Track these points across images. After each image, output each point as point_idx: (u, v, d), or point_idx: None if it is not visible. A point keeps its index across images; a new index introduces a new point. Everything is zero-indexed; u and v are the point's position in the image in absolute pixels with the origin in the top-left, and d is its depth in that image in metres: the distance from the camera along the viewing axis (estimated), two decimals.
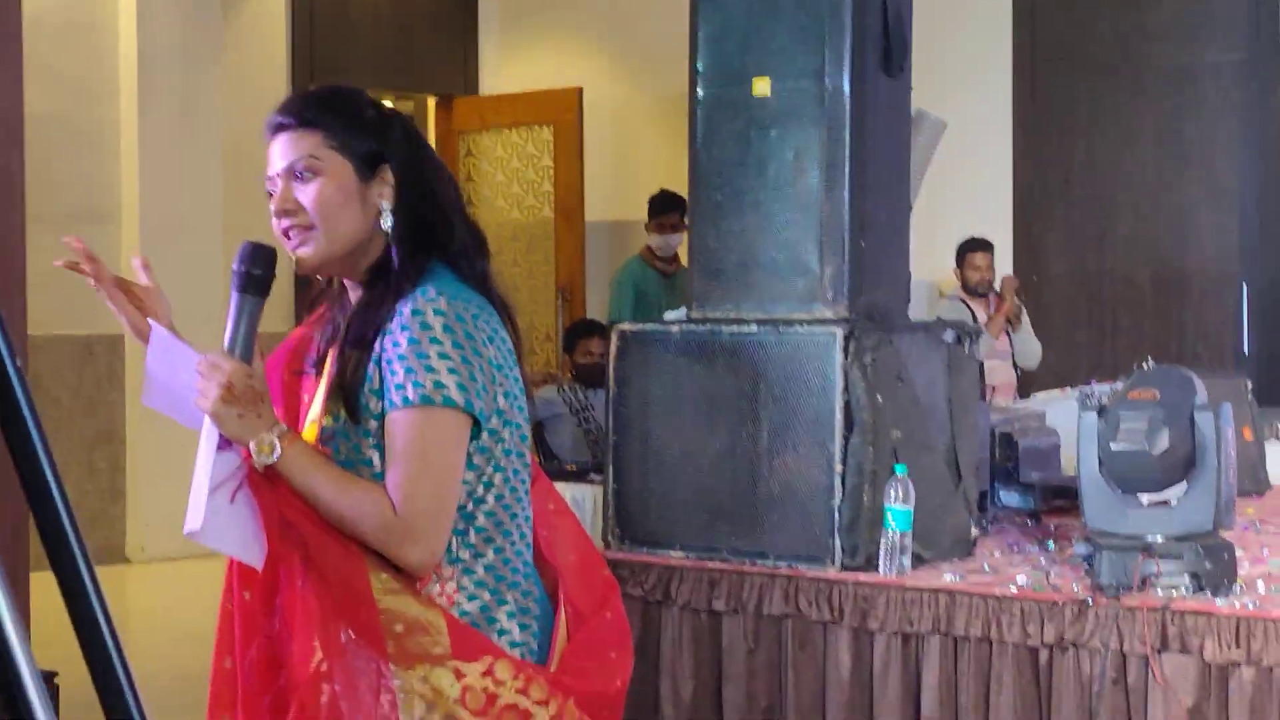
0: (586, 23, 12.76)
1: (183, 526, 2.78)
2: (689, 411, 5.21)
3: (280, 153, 3.04)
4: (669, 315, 5.69)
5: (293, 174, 3.02)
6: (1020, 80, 11.26)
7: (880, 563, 4.88)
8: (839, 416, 4.92)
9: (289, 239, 3.03)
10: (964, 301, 10.24)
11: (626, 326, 5.40)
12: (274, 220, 3.05)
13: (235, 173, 11.30)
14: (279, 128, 3.05)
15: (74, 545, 1.32)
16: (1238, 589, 4.54)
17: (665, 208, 10.09)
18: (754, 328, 5.12)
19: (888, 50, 5.31)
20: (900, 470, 4.86)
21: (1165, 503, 4.61)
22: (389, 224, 3.02)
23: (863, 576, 4.87)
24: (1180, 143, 10.89)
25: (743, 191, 5.28)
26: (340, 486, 2.85)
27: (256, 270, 2.95)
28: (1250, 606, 4.36)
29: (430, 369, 2.84)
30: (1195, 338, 10.80)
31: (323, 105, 3.06)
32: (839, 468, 4.92)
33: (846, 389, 4.92)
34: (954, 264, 10.42)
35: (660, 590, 5.18)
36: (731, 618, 5.06)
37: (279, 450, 2.82)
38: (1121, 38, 11.09)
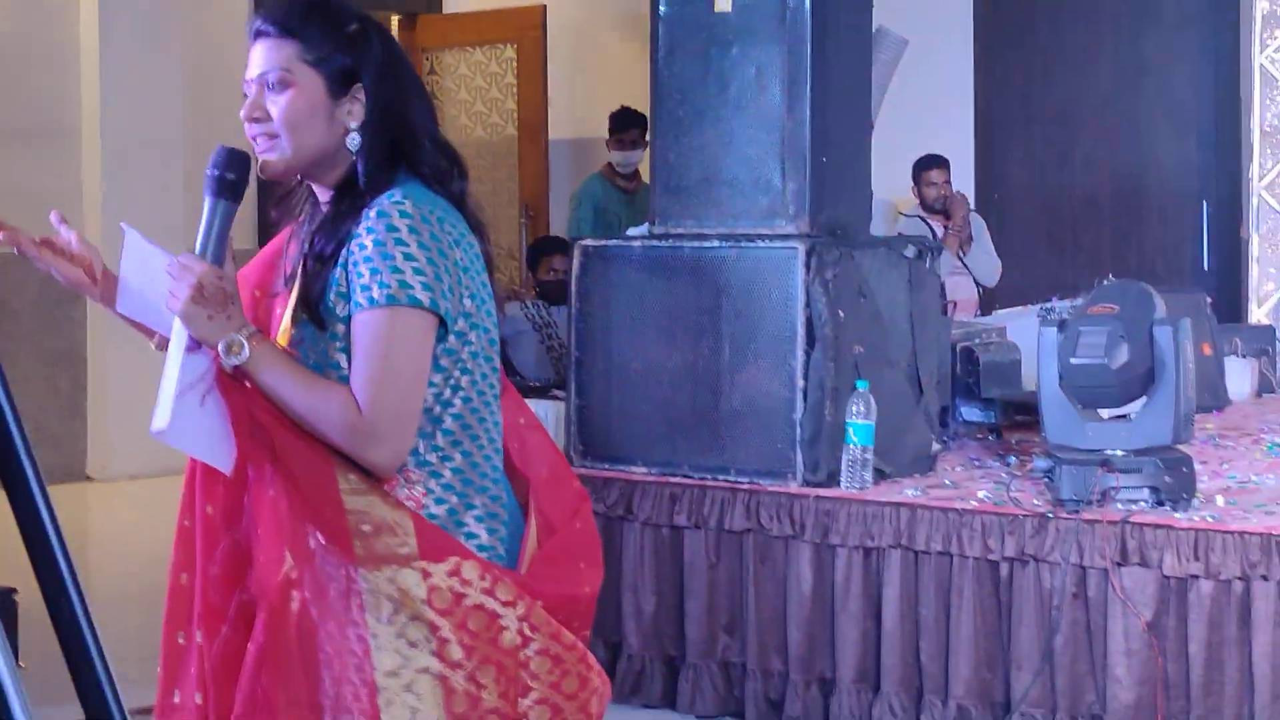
0: None
1: (149, 429, 2.78)
2: (651, 328, 5.22)
3: (257, 59, 3.03)
4: (631, 231, 5.69)
5: (265, 83, 3.02)
6: None
7: (842, 478, 4.90)
8: (800, 332, 4.94)
9: (257, 144, 3.04)
10: (923, 219, 10.24)
11: (588, 243, 5.40)
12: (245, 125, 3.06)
13: (197, 87, 11.23)
14: (259, 34, 3.04)
15: (26, 465, 1.31)
16: (1197, 503, 4.57)
17: (625, 124, 10.05)
18: (716, 243, 5.12)
19: None
20: (862, 385, 4.87)
21: (1125, 417, 4.63)
22: (355, 143, 3.02)
23: (824, 491, 4.90)
24: (1137, 59, 10.88)
25: (704, 108, 5.28)
26: (307, 387, 2.84)
27: (230, 175, 2.95)
28: (1209, 520, 4.40)
29: (396, 269, 2.82)
30: (1155, 255, 10.82)
31: (304, 16, 3.03)
32: (800, 383, 4.93)
33: (808, 304, 4.93)
34: (911, 182, 10.41)
35: (622, 505, 5.19)
36: (693, 533, 5.08)
37: (247, 350, 2.81)
38: None
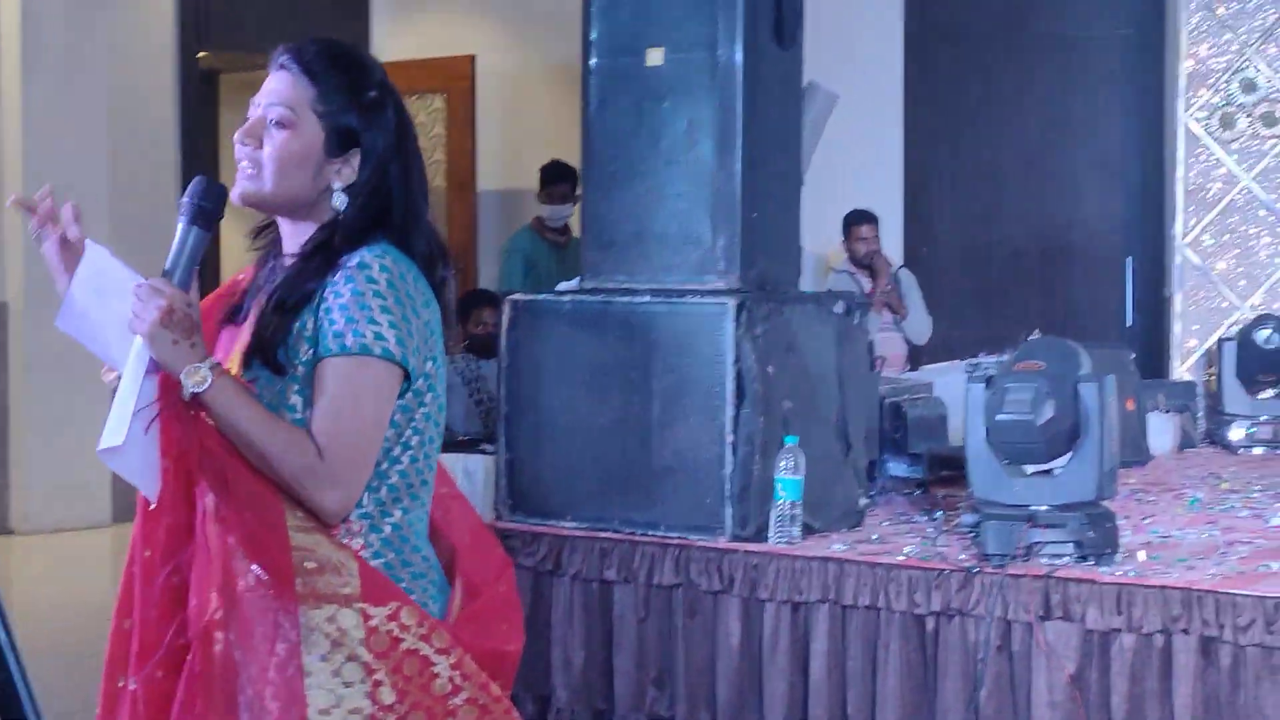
0: None
1: (97, 447, 2.78)
2: (581, 382, 5.23)
3: (271, 89, 3.06)
4: (561, 286, 5.70)
5: (268, 115, 3.04)
6: (910, 54, 11.32)
7: (770, 532, 4.92)
8: (730, 387, 4.95)
9: (241, 167, 3.07)
10: (852, 274, 10.30)
11: (519, 297, 5.41)
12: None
13: (120, 133, 11.20)
14: (283, 65, 3.06)
15: None
16: (1119, 558, 4.61)
17: (555, 178, 10.08)
18: (646, 298, 5.14)
19: (780, 21, 5.33)
20: (791, 441, 4.89)
21: (1049, 473, 4.67)
22: (341, 203, 3.05)
23: (753, 546, 4.91)
24: (1066, 116, 10.99)
25: (635, 162, 5.30)
26: (265, 424, 2.85)
27: (206, 203, 2.97)
28: (1131, 575, 4.43)
29: (372, 321, 2.87)
30: (1080, 310, 10.91)
31: (331, 66, 3.06)
32: (730, 438, 4.95)
33: (738, 359, 4.95)
34: (841, 237, 10.47)
35: (552, 560, 5.20)
36: (623, 587, 5.09)
37: (210, 380, 2.83)
38: (1009, 11, 11.17)
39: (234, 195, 3.06)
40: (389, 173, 3.06)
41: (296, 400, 2.92)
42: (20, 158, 10.68)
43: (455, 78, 11.86)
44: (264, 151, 3.03)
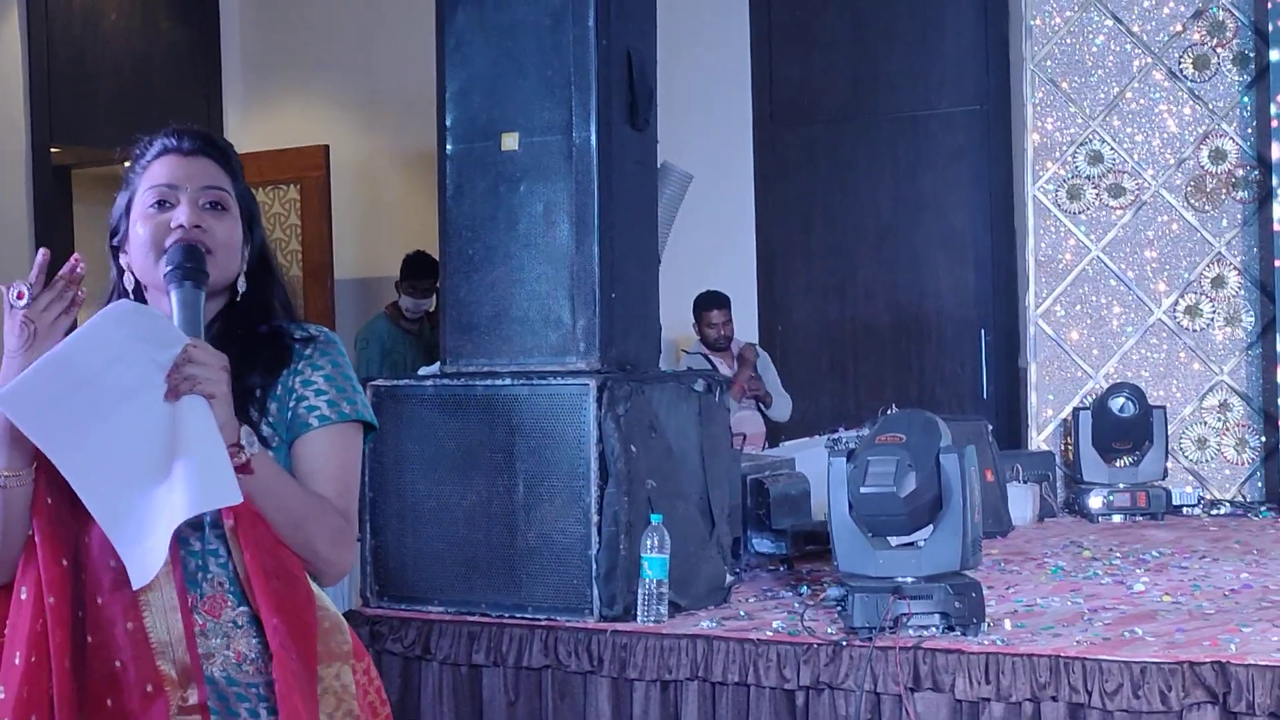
0: (331, 80, 12.70)
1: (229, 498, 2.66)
2: (445, 466, 5.22)
3: (195, 172, 3.02)
4: (423, 370, 5.69)
5: (207, 200, 3.00)
6: (760, 133, 11.41)
7: (638, 611, 4.92)
8: (594, 467, 4.96)
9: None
10: (705, 356, 10.33)
11: (380, 382, 5.39)
12: (155, 229, 2.97)
13: None
14: (191, 151, 3.03)
15: None
16: (986, 627, 4.64)
17: (420, 272, 10.04)
18: (508, 380, 5.14)
19: (634, 103, 5.38)
20: (656, 519, 4.90)
21: (914, 545, 4.70)
22: (244, 286, 3.06)
23: (621, 626, 4.91)
24: (915, 191, 11.10)
25: (494, 245, 5.31)
26: (300, 489, 2.88)
27: (189, 264, 2.92)
28: (999, 643, 4.47)
29: (356, 389, 2.99)
30: (936, 382, 11.00)
31: (227, 152, 3.11)
32: (595, 518, 4.96)
33: (600, 440, 4.96)
34: (692, 320, 10.51)
35: (420, 645, 5.17)
36: (492, 670, 5.07)
37: (256, 444, 2.80)
38: (856, 89, 11.29)
39: None
40: (265, 248, 3.15)
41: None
42: None
43: (309, 168, 11.81)
44: (215, 238, 2.99)
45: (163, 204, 2.99)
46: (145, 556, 2.63)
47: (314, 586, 2.88)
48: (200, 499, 2.61)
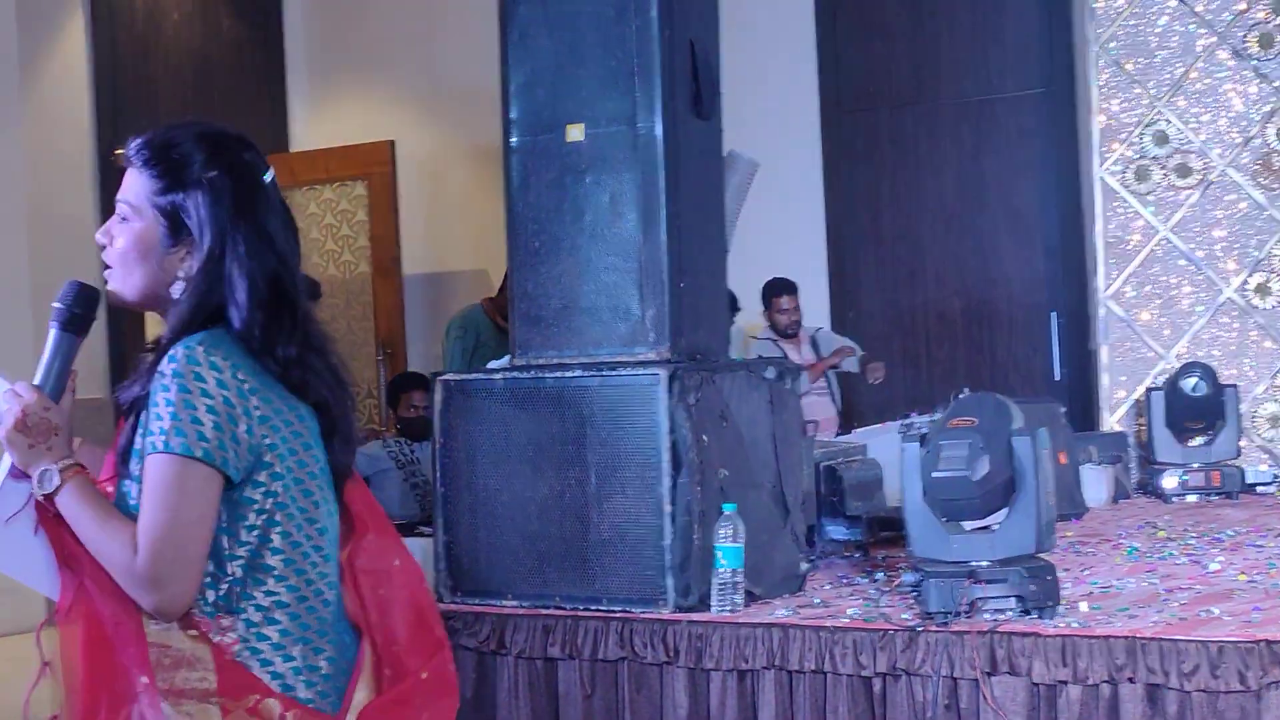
0: (395, 75, 12.73)
1: None
2: (516, 459, 5.22)
3: (122, 184, 3.07)
4: (492, 364, 5.69)
5: (118, 211, 3.05)
6: (826, 120, 11.41)
7: (713, 601, 4.91)
8: (666, 457, 4.95)
9: None
10: (775, 342, 10.32)
11: (450, 377, 5.39)
12: None
13: (40, 232, 11.13)
14: (129, 159, 3.08)
15: None
16: (1061, 610, 4.62)
17: None
18: (578, 372, 5.14)
19: (698, 93, 5.36)
20: (729, 508, 4.89)
21: (987, 528, 4.68)
22: (179, 292, 3.01)
23: (696, 616, 4.90)
24: (981, 175, 11.08)
25: (560, 237, 5.31)
26: (98, 525, 2.87)
27: (77, 309, 2.99)
28: (1075, 626, 4.44)
29: (175, 417, 2.83)
30: (1007, 366, 10.98)
31: (164, 152, 3.04)
32: (668, 508, 4.95)
33: (672, 430, 4.95)
34: (762, 306, 10.50)
35: (494, 640, 5.16)
36: (567, 664, 5.06)
37: (56, 481, 2.88)
38: (920, 74, 11.27)
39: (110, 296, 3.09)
40: (226, 254, 3.01)
41: (140, 500, 2.91)
42: None
43: (375, 163, 11.85)
44: (111, 250, 3.04)
45: None
46: None
47: (160, 627, 2.87)
48: None
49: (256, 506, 2.92)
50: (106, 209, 11.77)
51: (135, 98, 12.19)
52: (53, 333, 3.00)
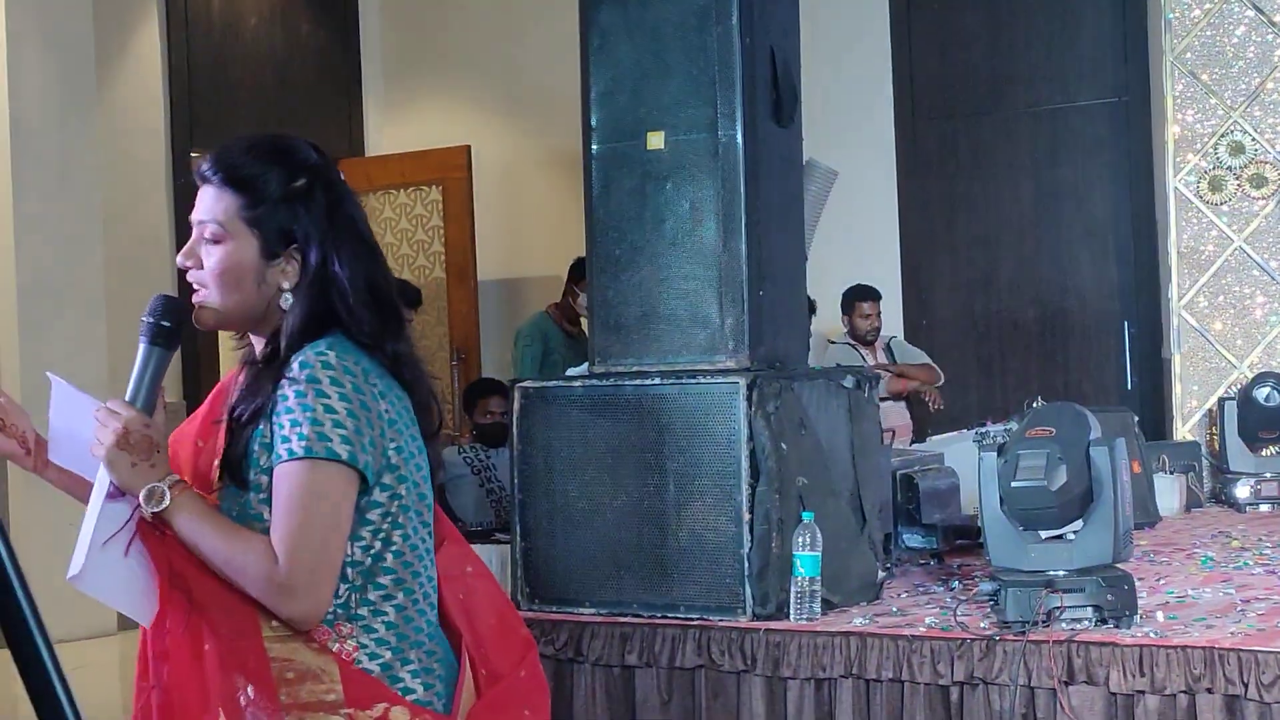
0: (472, 80, 12.77)
1: (66, 575, 2.80)
2: (594, 467, 5.24)
3: (200, 204, 3.02)
4: (571, 371, 5.71)
5: (200, 232, 3.02)
6: (901, 129, 11.41)
7: (791, 610, 4.93)
8: (745, 465, 4.97)
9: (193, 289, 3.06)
10: (853, 348, 10.33)
11: (528, 384, 5.42)
12: None
13: (115, 239, 11.18)
14: (204, 177, 3.02)
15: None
16: (1138, 620, 4.62)
17: None
18: (657, 380, 5.16)
19: (778, 101, 5.38)
20: (807, 517, 4.91)
21: (1064, 537, 4.68)
22: (288, 303, 3.01)
23: (774, 624, 4.91)
24: (1055, 184, 11.06)
25: (640, 245, 5.33)
26: (225, 537, 2.82)
27: (166, 323, 2.95)
28: (1152, 635, 4.44)
29: (316, 422, 2.82)
30: (1080, 375, 10.95)
31: (250, 169, 3.01)
32: (746, 516, 4.96)
33: (751, 438, 4.97)
34: (841, 312, 10.51)
35: (572, 648, 5.19)
36: (644, 671, 5.08)
37: (168, 498, 2.82)
38: (995, 83, 11.26)
39: (194, 320, 3.03)
40: (330, 259, 3.00)
41: (262, 509, 2.88)
42: (13, 270, 10.61)
43: (451, 168, 11.86)
44: (205, 270, 3.01)
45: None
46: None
47: (278, 639, 2.85)
48: (70, 568, 2.79)
49: (381, 509, 2.93)
50: (181, 216, 11.87)
51: (210, 104, 12.26)
52: (142, 347, 2.96)
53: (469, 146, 11.88)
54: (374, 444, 2.88)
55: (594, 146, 5.43)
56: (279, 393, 2.87)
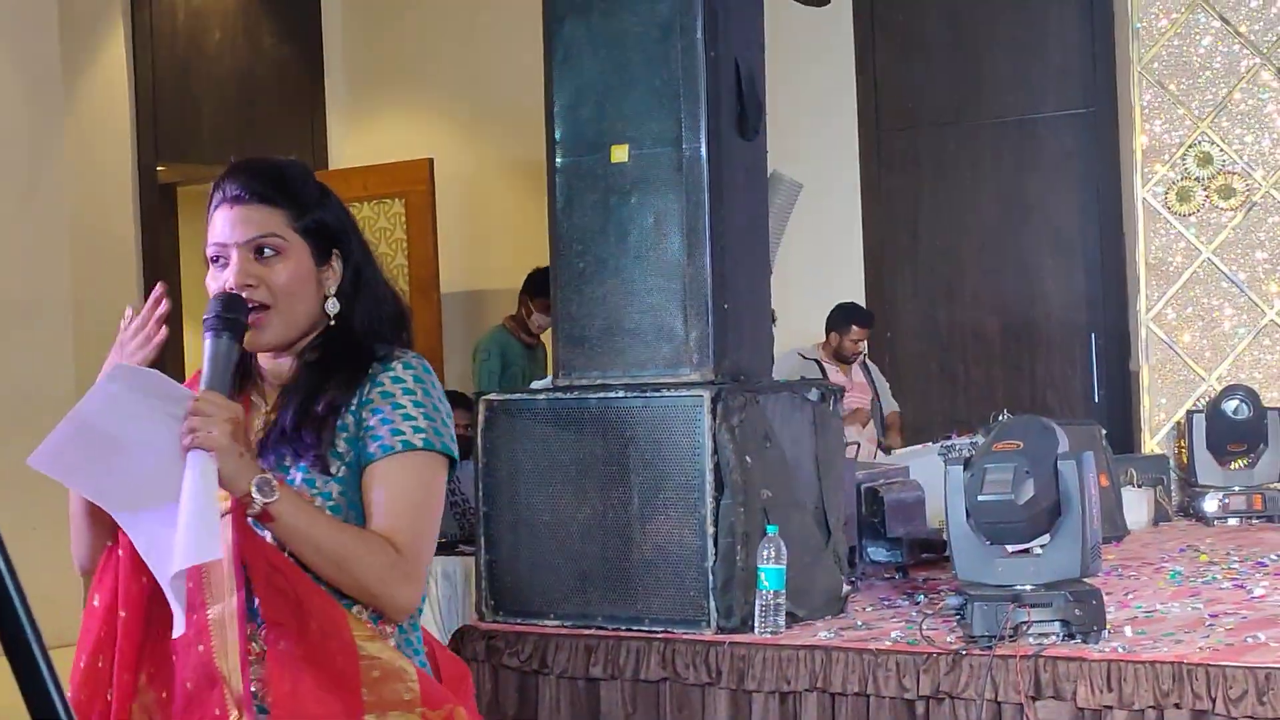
0: (435, 93, 12.76)
1: (203, 556, 2.69)
2: (559, 480, 5.22)
3: (240, 224, 2.99)
4: (535, 384, 5.70)
5: (255, 250, 2.99)
6: (865, 140, 11.41)
7: (756, 622, 4.91)
8: (709, 478, 4.95)
9: (251, 317, 3.02)
10: (819, 363, 10.31)
11: (494, 396, 5.40)
12: (220, 286, 3.00)
13: (82, 252, 11.15)
14: (237, 199, 3.01)
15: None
16: (1106, 634, 4.60)
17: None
18: (621, 393, 5.14)
19: (743, 113, 5.37)
20: (772, 530, 4.89)
21: (1031, 552, 4.66)
22: (334, 308, 3.04)
23: (739, 637, 4.90)
24: (1022, 195, 11.07)
25: (604, 258, 5.31)
26: (340, 529, 2.83)
27: (230, 314, 2.94)
28: (1120, 650, 4.43)
29: (429, 418, 2.93)
30: (1046, 387, 10.95)
31: (284, 183, 3.04)
32: (711, 530, 4.94)
33: (715, 451, 4.95)
34: (828, 328, 10.48)
35: (537, 659, 5.17)
36: (609, 684, 5.06)
37: (278, 491, 2.78)
38: (961, 94, 11.27)
39: (248, 344, 2.99)
40: (362, 258, 3.11)
41: (340, 501, 2.91)
42: None
43: (414, 181, 11.84)
44: (269, 289, 2.99)
45: (217, 260, 3.03)
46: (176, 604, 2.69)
47: (368, 639, 2.85)
48: (183, 555, 2.64)
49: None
50: (148, 228, 11.85)
51: (176, 115, 12.23)
52: (208, 341, 2.92)
53: (431, 160, 11.86)
54: (453, 440, 3.02)
55: (558, 160, 5.41)
56: (378, 389, 2.96)
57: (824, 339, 10.52)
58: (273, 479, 2.77)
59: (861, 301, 11.09)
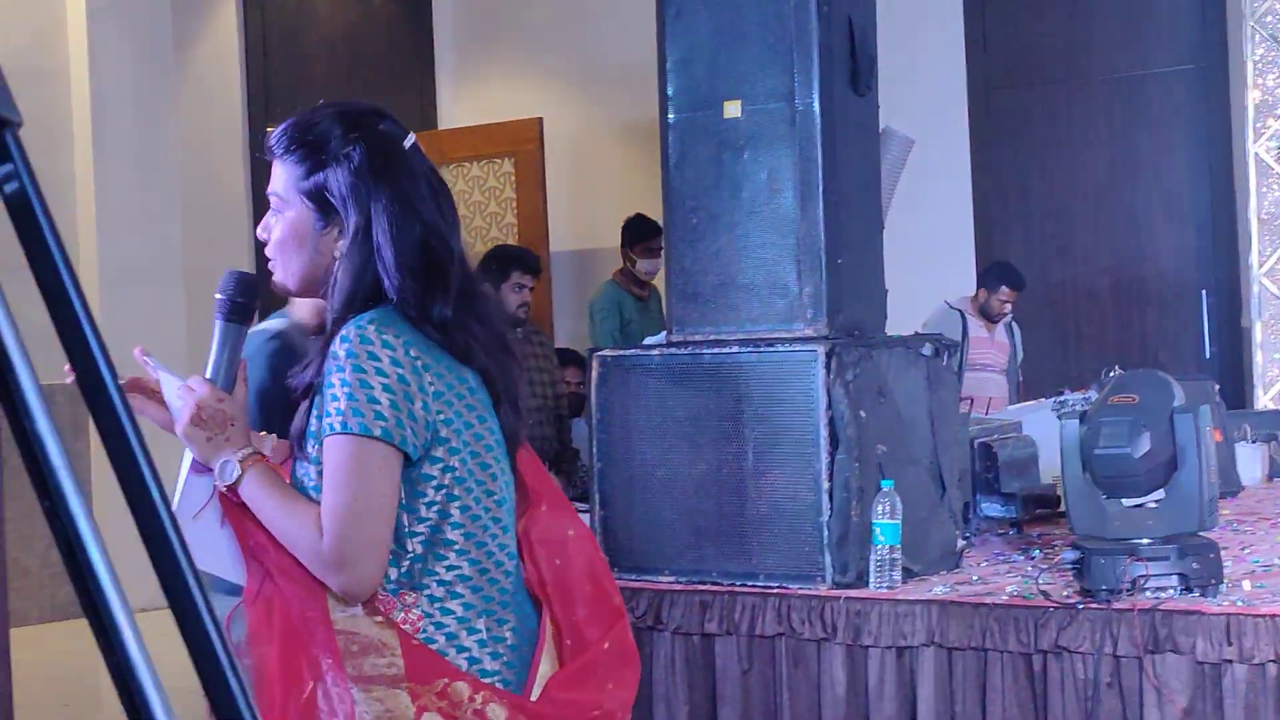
0: (544, 52, 12.77)
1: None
2: (673, 435, 5.23)
3: (272, 177, 3.12)
4: (649, 340, 5.71)
5: (271, 203, 3.09)
6: (975, 97, 11.35)
7: (870, 578, 4.91)
8: (823, 434, 4.95)
9: None
10: (963, 314, 10.24)
11: (607, 353, 5.42)
12: None
13: (193, 216, 11.26)
14: (270, 153, 3.12)
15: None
16: (1224, 588, 4.58)
17: (649, 231, 9.96)
18: (735, 349, 5.14)
19: (855, 69, 5.36)
20: (887, 485, 4.89)
21: (1147, 505, 4.65)
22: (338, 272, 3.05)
23: (854, 592, 4.90)
24: (1132, 153, 10.99)
25: (717, 214, 5.32)
26: (284, 511, 2.89)
27: (239, 298, 3.03)
28: (1238, 604, 4.40)
29: (351, 397, 2.84)
30: (1157, 344, 10.88)
31: (295, 141, 3.07)
32: (826, 485, 4.95)
33: (830, 406, 4.95)
34: (979, 283, 10.41)
35: (651, 615, 5.19)
36: (724, 639, 5.08)
37: (237, 472, 2.91)
38: (1070, 51, 11.19)
39: (271, 284, 3.15)
40: (372, 224, 3.00)
41: (320, 482, 2.93)
42: (95, 244, 10.72)
43: (523, 140, 11.87)
44: (272, 241, 3.10)
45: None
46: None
47: (349, 617, 2.90)
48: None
49: (435, 482, 2.94)
50: (258, 191, 11.95)
51: (286, 78, 12.32)
52: (218, 324, 3.04)
53: (541, 119, 11.89)
54: (414, 417, 2.89)
55: (670, 116, 5.42)
56: (326, 365, 2.91)
57: (973, 294, 10.48)
58: (236, 461, 2.92)
59: (970, 260, 11.05)
